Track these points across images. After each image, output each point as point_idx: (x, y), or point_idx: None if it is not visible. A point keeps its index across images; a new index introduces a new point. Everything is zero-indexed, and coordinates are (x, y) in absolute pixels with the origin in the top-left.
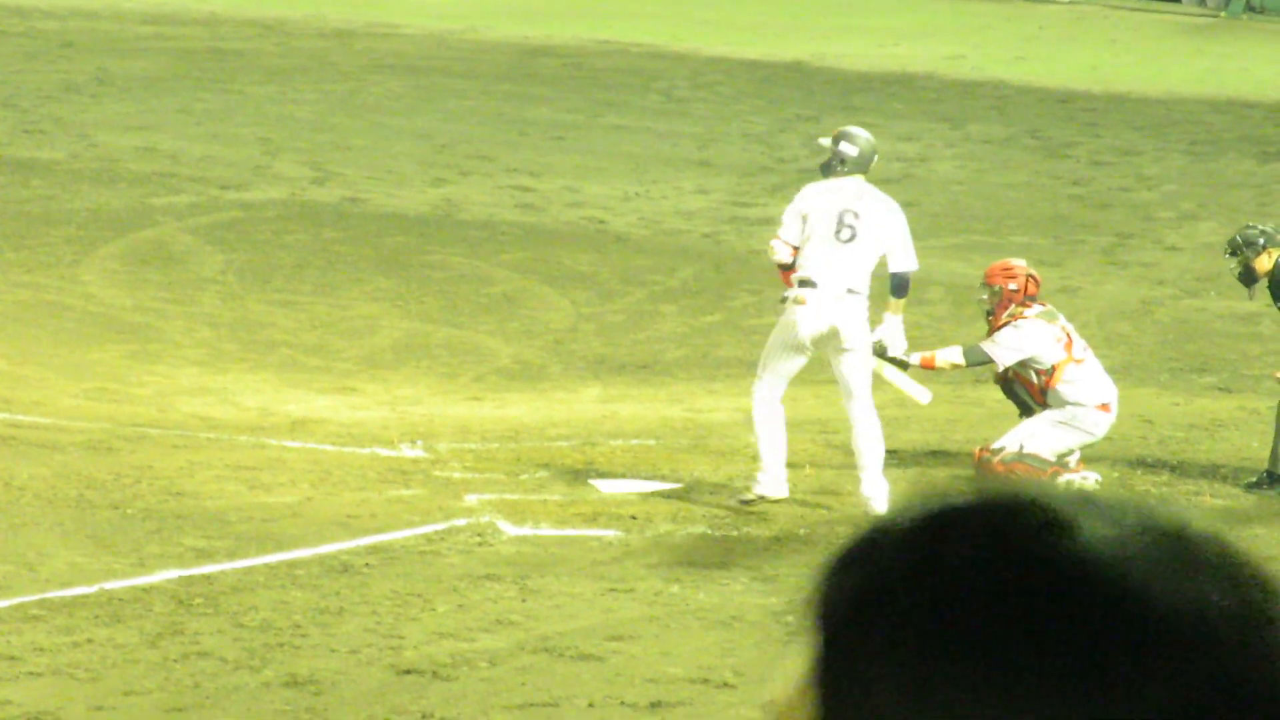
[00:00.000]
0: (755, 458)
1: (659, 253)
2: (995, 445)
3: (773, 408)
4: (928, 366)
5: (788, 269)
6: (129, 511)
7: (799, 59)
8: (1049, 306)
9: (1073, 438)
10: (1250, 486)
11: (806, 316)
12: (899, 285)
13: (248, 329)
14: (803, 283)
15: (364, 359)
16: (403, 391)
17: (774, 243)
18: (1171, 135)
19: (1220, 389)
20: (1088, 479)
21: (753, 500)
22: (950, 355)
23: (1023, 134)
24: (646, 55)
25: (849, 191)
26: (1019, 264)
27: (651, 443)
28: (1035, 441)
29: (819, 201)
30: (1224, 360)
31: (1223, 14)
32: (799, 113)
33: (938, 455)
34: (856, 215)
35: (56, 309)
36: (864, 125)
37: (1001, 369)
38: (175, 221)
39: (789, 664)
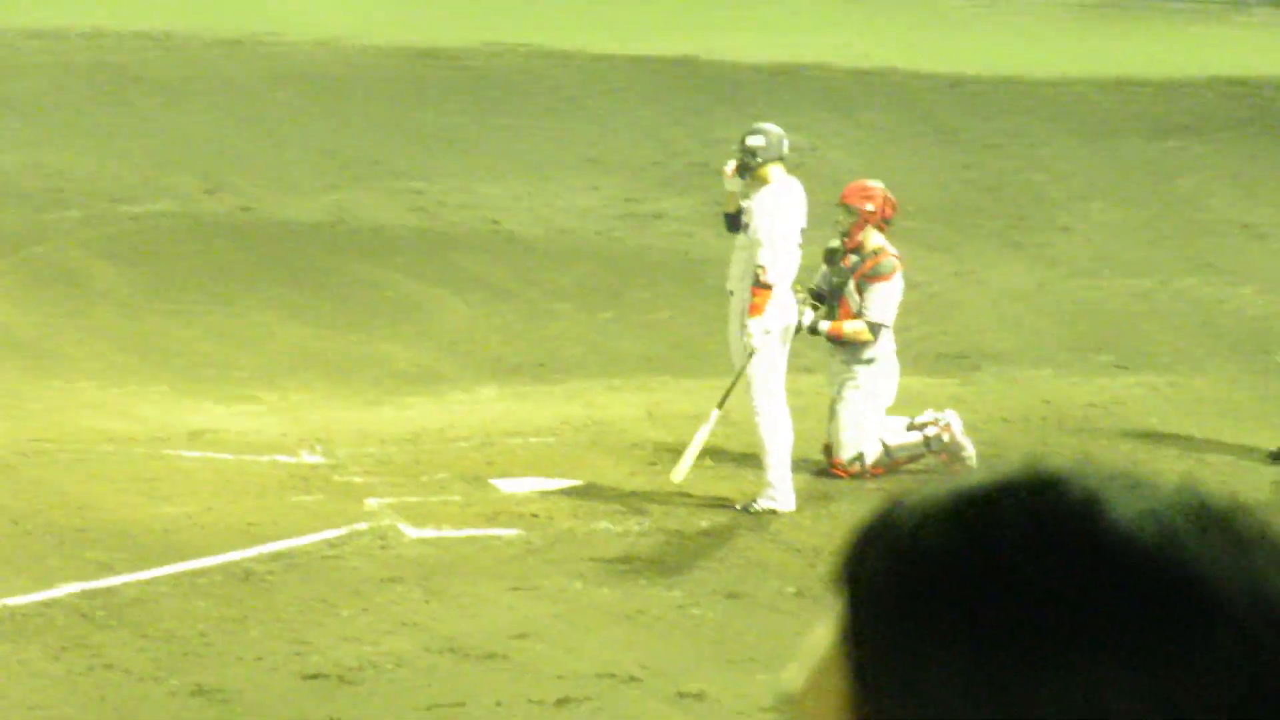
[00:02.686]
0: (760, 469)
1: (552, 252)
2: (847, 457)
3: (784, 415)
4: (836, 336)
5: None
6: (28, 527)
7: (687, 54)
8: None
9: (887, 390)
10: (1274, 456)
11: (777, 316)
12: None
13: (143, 341)
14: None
15: (261, 367)
16: (300, 398)
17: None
18: (1062, 116)
19: (1117, 367)
20: (950, 422)
21: (762, 512)
22: (856, 326)
23: (914, 120)
24: (533, 55)
25: (796, 195)
26: (876, 185)
27: (551, 441)
28: (869, 427)
29: (787, 211)
30: (1121, 339)
31: None
32: (688, 106)
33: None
34: (802, 218)
35: None
36: (754, 117)
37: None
38: (66, 236)
39: (808, 644)
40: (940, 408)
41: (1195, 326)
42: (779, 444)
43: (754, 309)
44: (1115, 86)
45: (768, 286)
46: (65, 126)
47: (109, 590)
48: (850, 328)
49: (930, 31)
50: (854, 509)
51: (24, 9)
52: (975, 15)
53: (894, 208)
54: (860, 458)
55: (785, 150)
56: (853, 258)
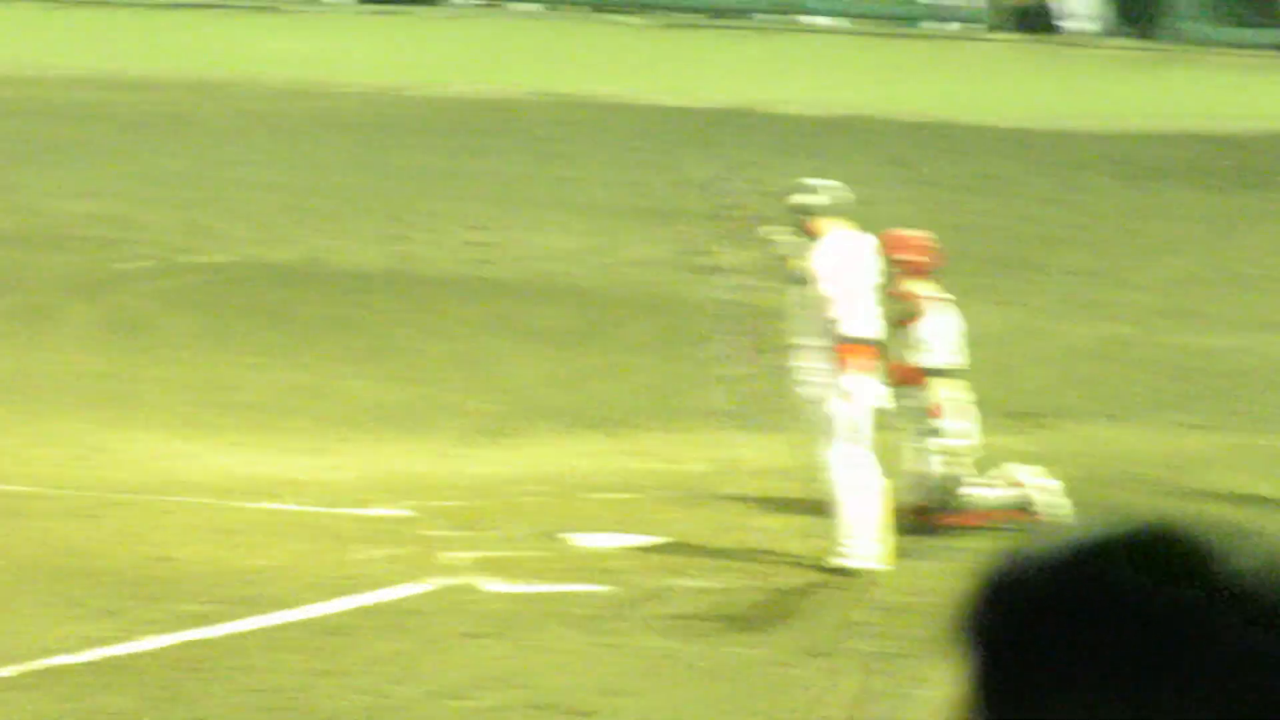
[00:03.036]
0: (836, 524)
1: (619, 304)
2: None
3: (865, 469)
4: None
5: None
6: (115, 578)
7: (743, 105)
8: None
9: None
10: None
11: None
12: None
13: (224, 392)
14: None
15: (341, 419)
16: (380, 451)
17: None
18: (1117, 168)
19: (1200, 426)
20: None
21: (842, 570)
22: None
23: (972, 172)
24: (593, 106)
25: (861, 248)
26: (914, 234)
27: (627, 495)
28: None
29: (848, 263)
30: (1204, 397)
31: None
32: (743, 158)
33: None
34: (872, 271)
35: (28, 377)
36: (810, 170)
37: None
38: (142, 285)
39: (931, 695)
40: (1021, 464)
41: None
42: (863, 500)
43: (839, 363)
44: (1160, 140)
45: (847, 339)
46: (127, 177)
47: (200, 642)
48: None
49: (988, 85)
50: (939, 566)
51: (76, 59)
52: (1032, 69)
53: (933, 256)
54: (948, 503)
55: (839, 203)
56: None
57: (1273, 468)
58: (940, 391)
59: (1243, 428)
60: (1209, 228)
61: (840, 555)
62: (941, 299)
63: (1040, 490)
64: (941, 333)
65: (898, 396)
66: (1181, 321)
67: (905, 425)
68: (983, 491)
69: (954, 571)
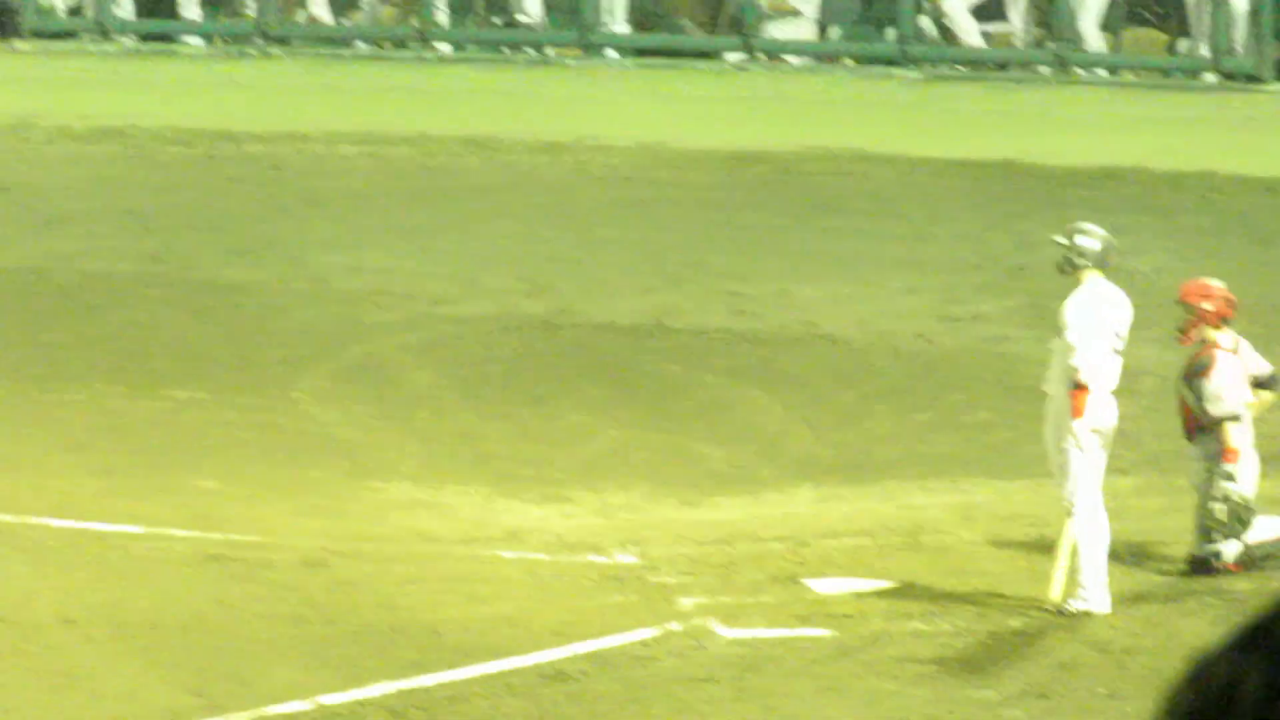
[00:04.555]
0: (1074, 571)
1: (870, 353)
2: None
3: (1099, 514)
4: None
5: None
6: (343, 627)
7: (1007, 157)
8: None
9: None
10: None
11: (1094, 417)
12: None
13: (460, 442)
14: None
15: (576, 468)
16: (615, 498)
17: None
18: None
19: None
20: None
21: (1076, 613)
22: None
23: (1232, 224)
24: (853, 158)
25: (1112, 299)
26: (1216, 284)
27: (865, 541)
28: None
29: (1100, 314)
30: None
31: None
32: (1008, 210)
33: (1149, 546)
34: (1120, 323)
35: (268, 429)
36: (1073, 219)
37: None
38: (386, 338)
39: None
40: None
41: None
42: (1095, 545)
43: (1074, 411)
44: None
45: (1082, 387)
46: (386, 229)
47: (422, 690)
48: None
49: (1249, 135)
50: (1165, 611)
51: (348, 113)
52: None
53: (1233, 306)
54: (1217, 554)
55: (1110, 257)
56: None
57: None
58: (1233, 437)
59: None
60: None
61: (1079, 599)
62: (1235, 348)
63: None
64: (1235, 379)
65: (1194, 444)
66: None
67: (1196, 472)
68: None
69: (1179, 613)
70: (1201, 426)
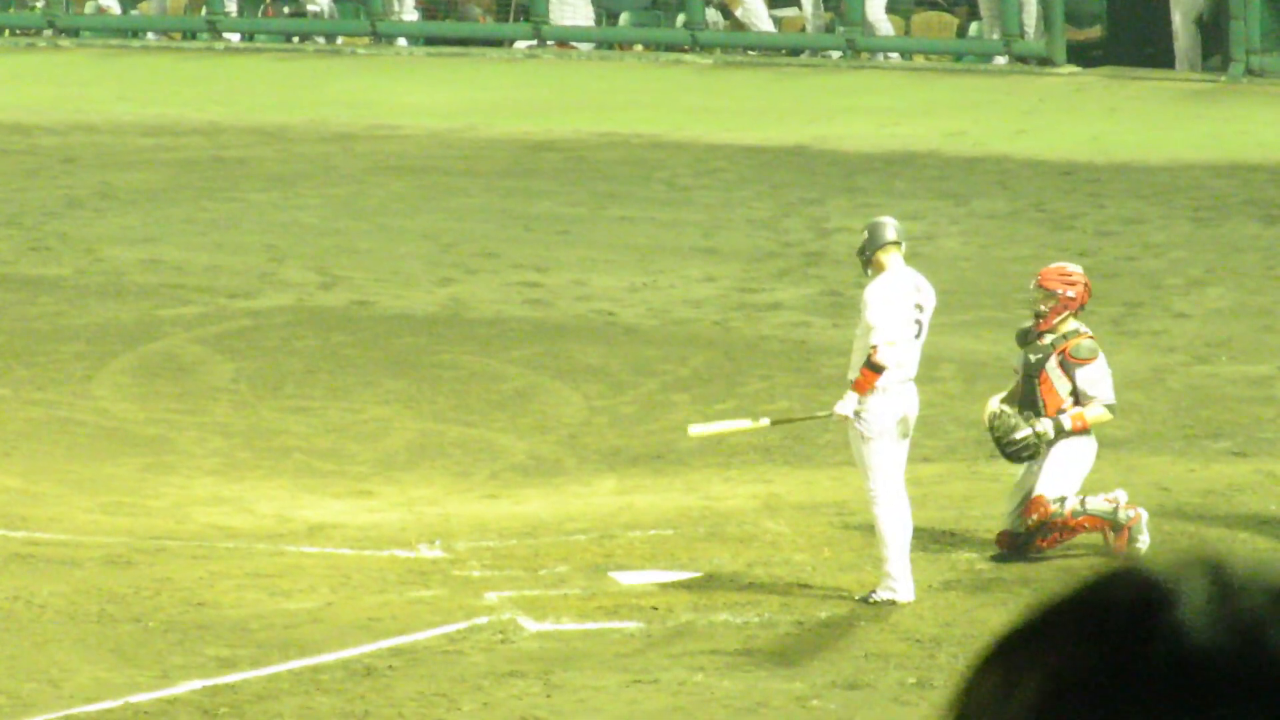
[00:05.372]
0: (878, 561)
1: (668, 342)
2: (1051, 495)
3: (901, 503)
4: (1083, 428)
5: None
6: (150, 624)
7: (800, 142)
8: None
9: (1083, 472)
10: None
11: (891, 405)
12: None
13: (261, 436)
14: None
15: (378, 461)
16: (418, 492)
17: (884, 348)
18: (1176, 202)
19: (1235, 454)
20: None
21: (882, 603)
22: (1097, 414)
23: (1027, 207)
24: (647, 146)
25: (912, 284)
26: (1077, 270)
27: (669, 532)
28: (1070, 484)
29: (901, 298)
30: (1238, 425)
31: (1223, 78)
32: (802, 196)
33: (955, 534)
34: (920, 309)
35: (69, 424)
36: (868, 206)
37: (1030, 375)
38: (184, 332)
39: None
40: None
41: None
42: (898, 534)
43: (857, 386)
44: (1229, 171)
45: (876, 369)
46: (182, 222)
47: (230, 687)
48: (1092, 416)
49: (1041, 119)
50: (973, 599)
51: (139, 105)
52: (1085, 103)
53: (1090, 293)
54: (1062, 500)
55: (890, 237)
56: (1047, 338)
57: None
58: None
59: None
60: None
61: (884, 589)
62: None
63: (1128, 516)
64: (1106, 367)
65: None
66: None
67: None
68: (1090, 502)
69: (987, 602)
70: (1062, 410)
